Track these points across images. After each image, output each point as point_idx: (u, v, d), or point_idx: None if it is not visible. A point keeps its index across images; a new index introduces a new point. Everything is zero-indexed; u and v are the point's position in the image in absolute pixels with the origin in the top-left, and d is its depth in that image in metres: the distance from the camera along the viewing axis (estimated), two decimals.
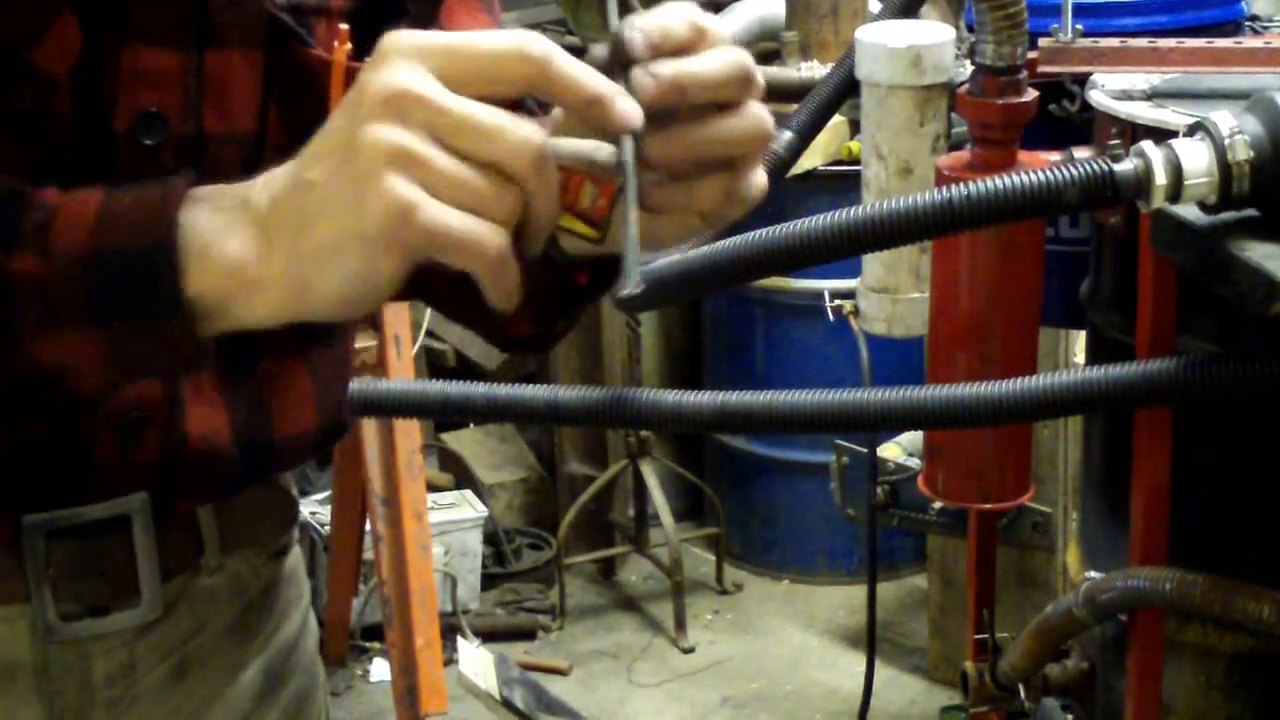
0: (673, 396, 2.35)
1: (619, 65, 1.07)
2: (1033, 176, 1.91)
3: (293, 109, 1.26)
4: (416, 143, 0.94)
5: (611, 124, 0.99)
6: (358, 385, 2.46)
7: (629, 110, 1.00)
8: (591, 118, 0.99)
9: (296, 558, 1.50)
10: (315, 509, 4.26)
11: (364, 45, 1.27)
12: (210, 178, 1.22)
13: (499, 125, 0.95)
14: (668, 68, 1.05)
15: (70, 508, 1.26)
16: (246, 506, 1.39)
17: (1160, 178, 1.91)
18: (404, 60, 0.96)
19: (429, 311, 4.57)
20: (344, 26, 1.25)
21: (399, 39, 0.97)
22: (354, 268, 0.97)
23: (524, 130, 0.96)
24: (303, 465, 1.49)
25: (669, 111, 1.07)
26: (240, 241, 1.02)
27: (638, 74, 1.05)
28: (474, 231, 0.95)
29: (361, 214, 0.95)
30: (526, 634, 4.37)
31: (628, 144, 1.04)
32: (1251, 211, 1.95)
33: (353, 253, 0.97)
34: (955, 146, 2.55)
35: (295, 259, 0.99)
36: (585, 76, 0.99)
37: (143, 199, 1.06)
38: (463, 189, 0.95)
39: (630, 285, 1.02)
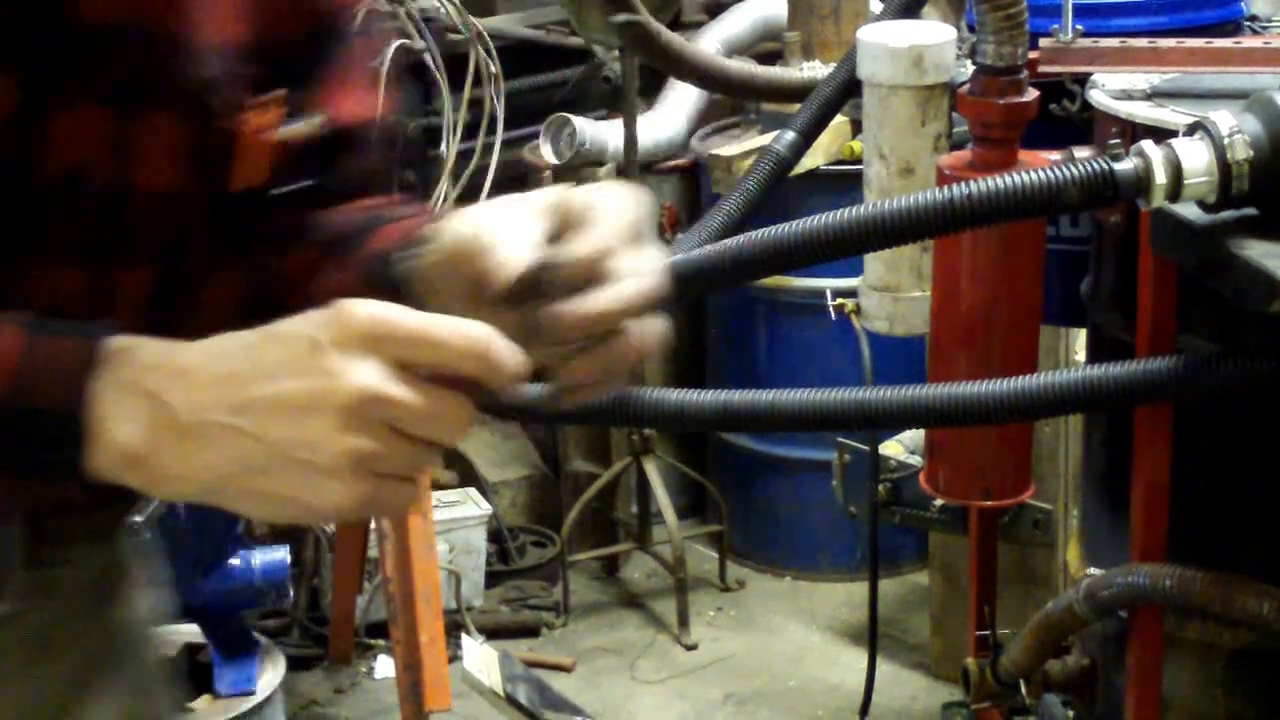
0: (676, 395, 2.37)
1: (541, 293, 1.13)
2: (1033, 176, 1.92)
3: (213, 172, 1.31)
4: (376, 446, 1.01)
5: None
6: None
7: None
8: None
9: (139, 543, 1.53)
10: None
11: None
12: (134, 234, 1.28)
13: (452, 411, 1.03)
14: (587, 306, 1.13)
15: None
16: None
17: (1160, 177, 1.92)
18: (365, 353, 1.01)
19: None
20: (267, 99, 1.31)
21: (360, 320, 1.02)
22: (284, 514, 1.06)
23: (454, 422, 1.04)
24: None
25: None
26: (144, 438, 1.05)
27: (559, 313, 1.12)
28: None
29: (315, 499, 1.03)
30: (530, 631, 4.38)
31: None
32: (1251, 210, 1.96)
33: (289, 509, 1.05)
34: (957, 146, 2.56)
35: (216, 486, 1.05)
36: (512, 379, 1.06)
37: (60, 358, 1.08)
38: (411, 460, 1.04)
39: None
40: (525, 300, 1.13)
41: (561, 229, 1.15)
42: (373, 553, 3.89)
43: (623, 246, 1.16)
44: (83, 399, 1.06)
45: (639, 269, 1.16)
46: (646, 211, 1.19)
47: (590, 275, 1.14)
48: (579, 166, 4.43)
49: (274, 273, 1.40)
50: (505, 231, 1.15)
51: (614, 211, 1.17)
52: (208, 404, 1.04)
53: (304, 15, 1.37)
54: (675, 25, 4.49)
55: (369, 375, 1.01)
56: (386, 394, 1.01)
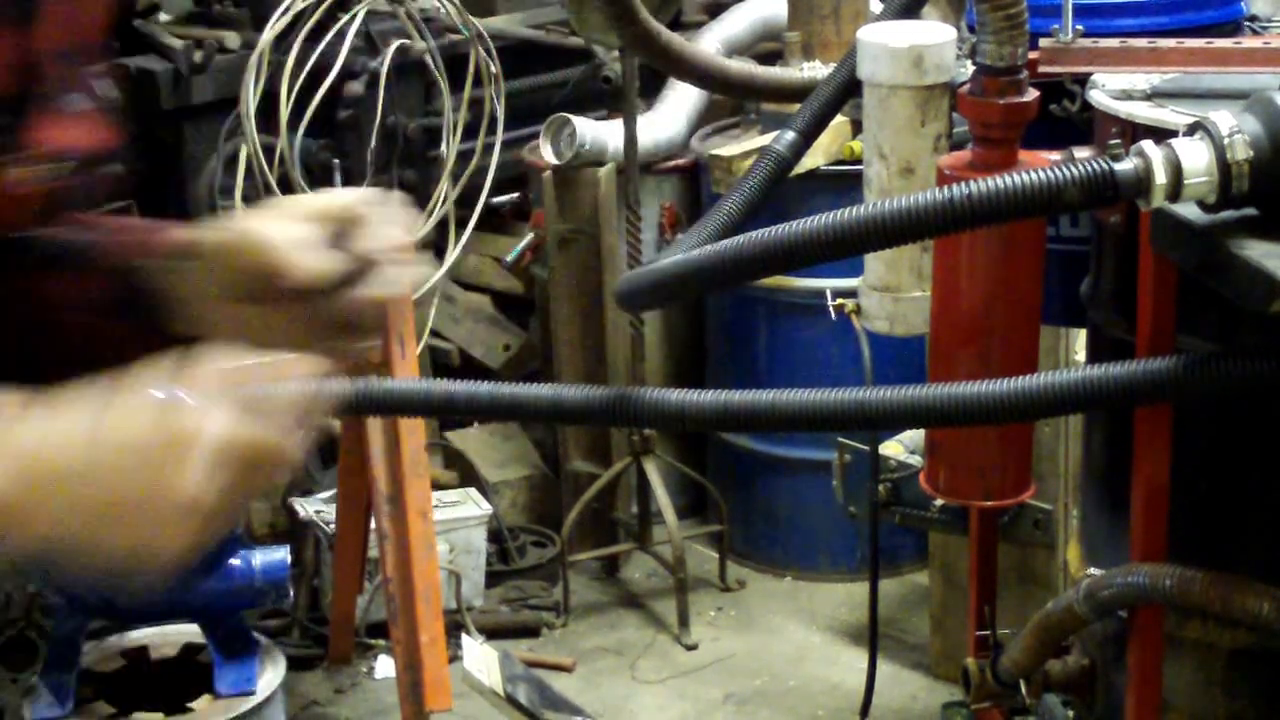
0: (676, 395, 2.37)
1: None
2: (1034, 176, 1.92)
3: None
4: (231, 481, 1.12)
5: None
6: (364, 384, 2.48)
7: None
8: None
9: None
10: (320, 507, 4.27)
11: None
12: None
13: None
14: (369, 294, 1.35)
15: None
16: None
17: (1160, 177, 1.92)
18: (212, 402, 1.12)
19: (434, 311, 4.58)
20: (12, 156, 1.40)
21: (207, 373, 1.14)
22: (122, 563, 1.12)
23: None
24: None
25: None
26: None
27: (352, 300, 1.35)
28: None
29: (165, 541, 1.11)
30: (531, 631, 4.38)
31: None
32: (1251, 210, 1.96)
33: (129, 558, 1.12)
34: (957, 146, 2.56)
35: (63, 539, 1.11)
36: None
37: None
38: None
39: None
40: (305, 296, 1.30)
41: (331, 232, 1.33)
42: (373, 553, 3.89)
43: (389, 246, 1.35)
44: None
45: (406, 264, 1.36)
46: (405, 215, 1.38)
47: (364, 271, 1.34)
48: (579, 167, 4.43)
49: (32, 296, 1.48)
50: (292, 236, 1.32)
51: (379, 215, 1.35)
52: (62, 457, 1.11)
53: (23, 63, 1.43)
54: (675, 25, 4.49)
55: (219, 424, 1.11)
56: (236, 439, 1.11)
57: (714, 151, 4.30)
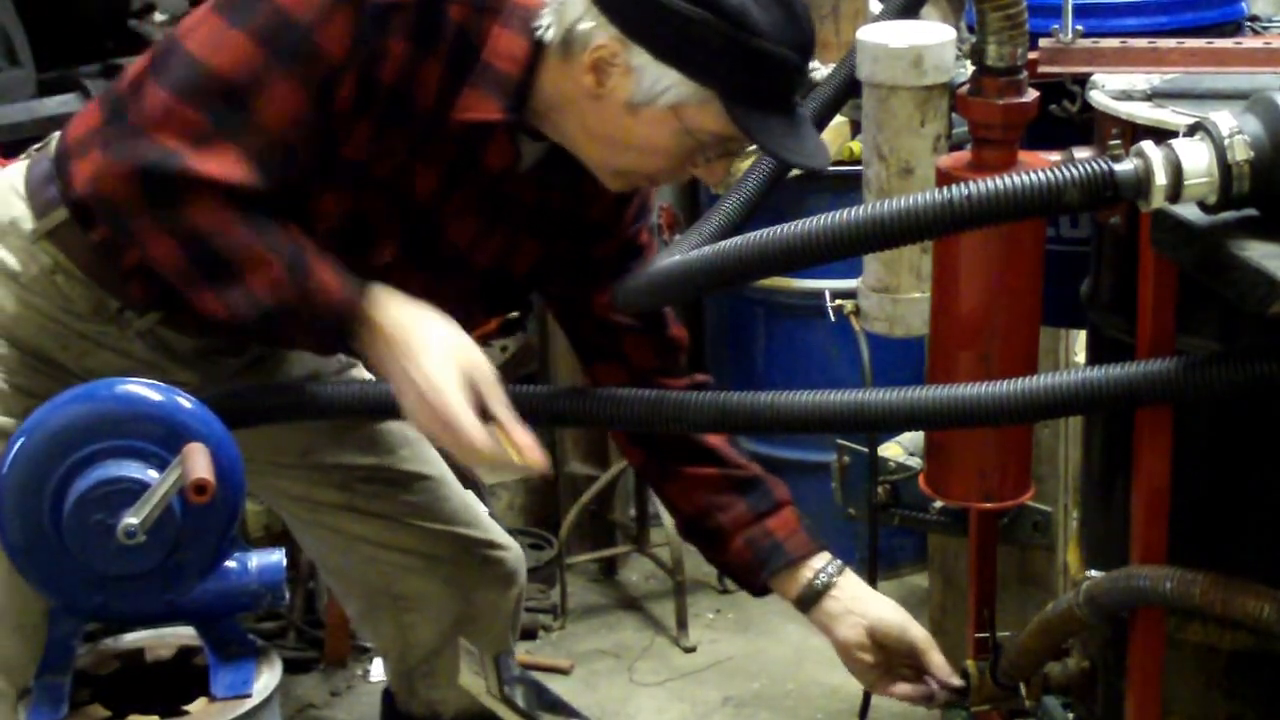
0: (674, 397, 2.36)
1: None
2: (1033, 176, 1.92)
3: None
4: None
5: None
6: (364, 386, 2.47)
7: None
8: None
9: None
10: None
11: None
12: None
13: None
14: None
15: None
16: None
17: (1160, 177, 1.92)
18: None
19: None
20: None
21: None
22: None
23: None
24: None
25: None
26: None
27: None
28: None
29: None
30: (528, 633, 4.37)
31: None
32: (1251, 211, 1.96)
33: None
34: (956, 147, 2.56)
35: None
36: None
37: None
38: None
39: None
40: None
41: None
42: None
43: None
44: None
45: None
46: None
47: None
48: None
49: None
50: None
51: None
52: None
53: None
54: None
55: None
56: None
57: None
